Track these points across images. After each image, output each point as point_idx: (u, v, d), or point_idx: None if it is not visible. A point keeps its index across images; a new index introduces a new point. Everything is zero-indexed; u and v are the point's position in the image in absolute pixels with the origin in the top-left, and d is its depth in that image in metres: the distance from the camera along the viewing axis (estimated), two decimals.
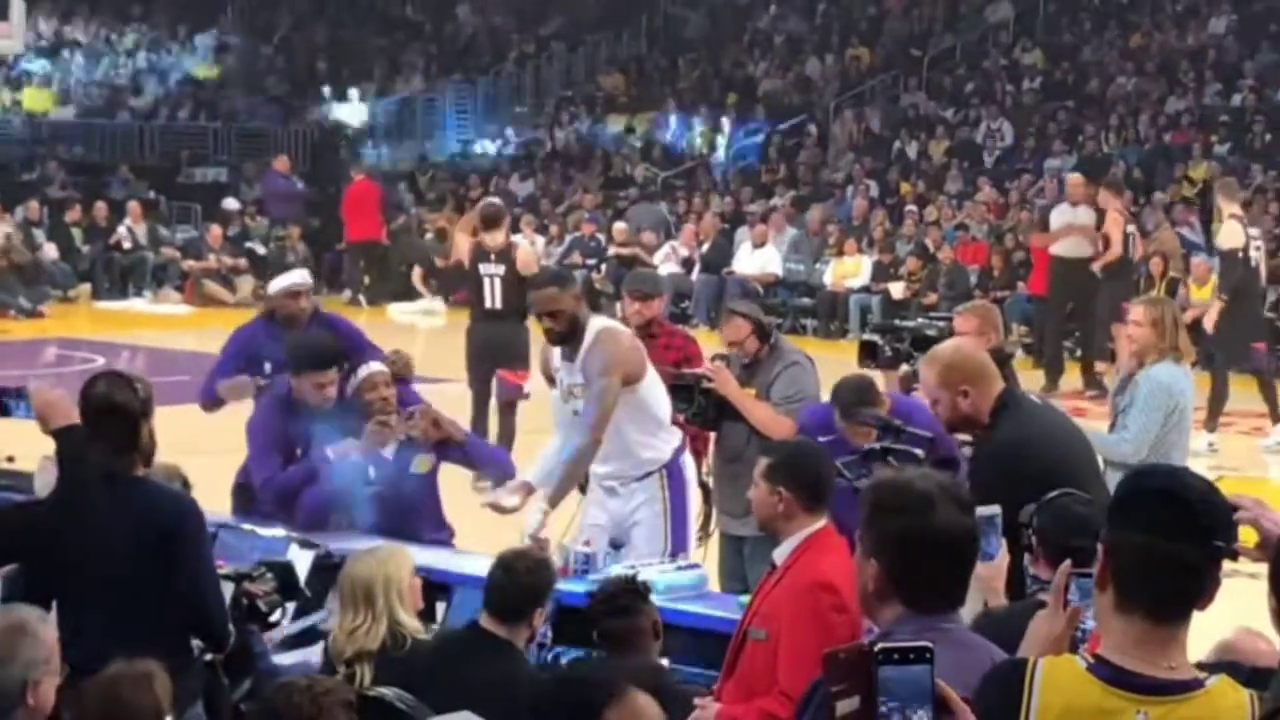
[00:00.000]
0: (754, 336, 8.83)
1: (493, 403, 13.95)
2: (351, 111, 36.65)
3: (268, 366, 9.40)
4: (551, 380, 8.60)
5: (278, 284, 9.89)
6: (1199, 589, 3.37)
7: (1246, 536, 4.06)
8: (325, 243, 29.39)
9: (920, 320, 9.16)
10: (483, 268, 13.80)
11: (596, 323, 8.36)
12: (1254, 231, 16.54)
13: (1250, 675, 4.03)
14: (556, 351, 8.41)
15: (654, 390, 8.36)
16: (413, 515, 8.38)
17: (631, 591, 6.07)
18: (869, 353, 8.54)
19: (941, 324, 8.61)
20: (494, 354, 13.89)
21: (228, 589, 6.31)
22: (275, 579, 6.78)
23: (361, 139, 35.64)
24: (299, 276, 10.07)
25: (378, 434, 8.34)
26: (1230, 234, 16.12)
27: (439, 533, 8.55)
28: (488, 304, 13.81)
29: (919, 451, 7.03)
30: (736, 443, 8.69)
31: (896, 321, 9.52)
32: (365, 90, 37.24)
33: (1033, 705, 3.33)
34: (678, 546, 8.31)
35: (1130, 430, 8.63)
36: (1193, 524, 3.35)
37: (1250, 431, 16.90)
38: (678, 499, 8.36)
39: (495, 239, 13.90)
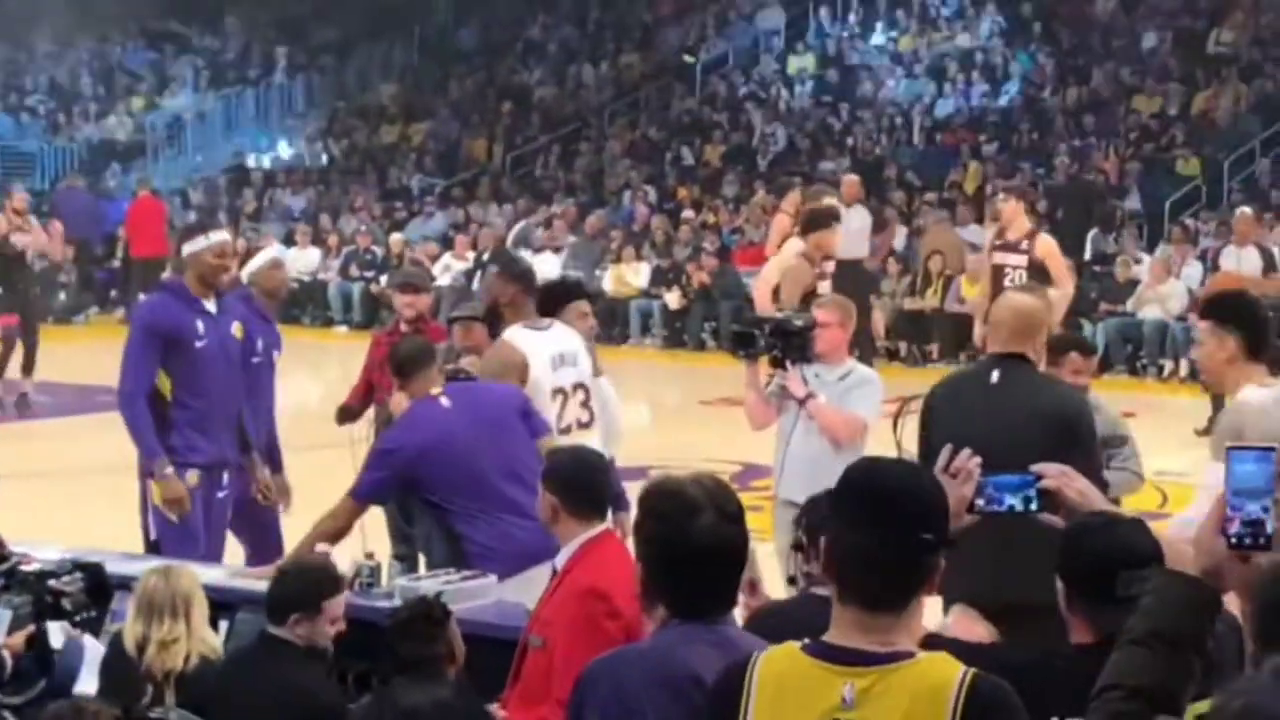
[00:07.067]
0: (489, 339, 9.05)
1: None
2: (119, 127, 36.01)
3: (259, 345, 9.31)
4: None
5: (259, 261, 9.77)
6: (908, 579, 3.43)
7: None
8: (96, 260, 28.88)
9: (787, 313, 9.42)
10: None
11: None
12: None
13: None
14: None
15: None
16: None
17: (427, 617, 5.97)
18: (744, 342, 8.73)
19: (805, 315, 8.85)
20: None
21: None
22: (85, 579, 6.68)
23: (131, 155, 35.02)
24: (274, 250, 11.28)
25: None
26: None
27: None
28: None
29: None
30: None
31: (762, 315, 9.86)
32: (132, 105, 36.62)
33: (753, 684, 3.44)
34: None
35: None
36: (894, 516, 3.41)
37: None
38: None
39: None
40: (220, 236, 8.95)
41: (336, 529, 7.56)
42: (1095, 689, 3.51)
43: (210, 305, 8.74)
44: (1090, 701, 3.51)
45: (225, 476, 8.80)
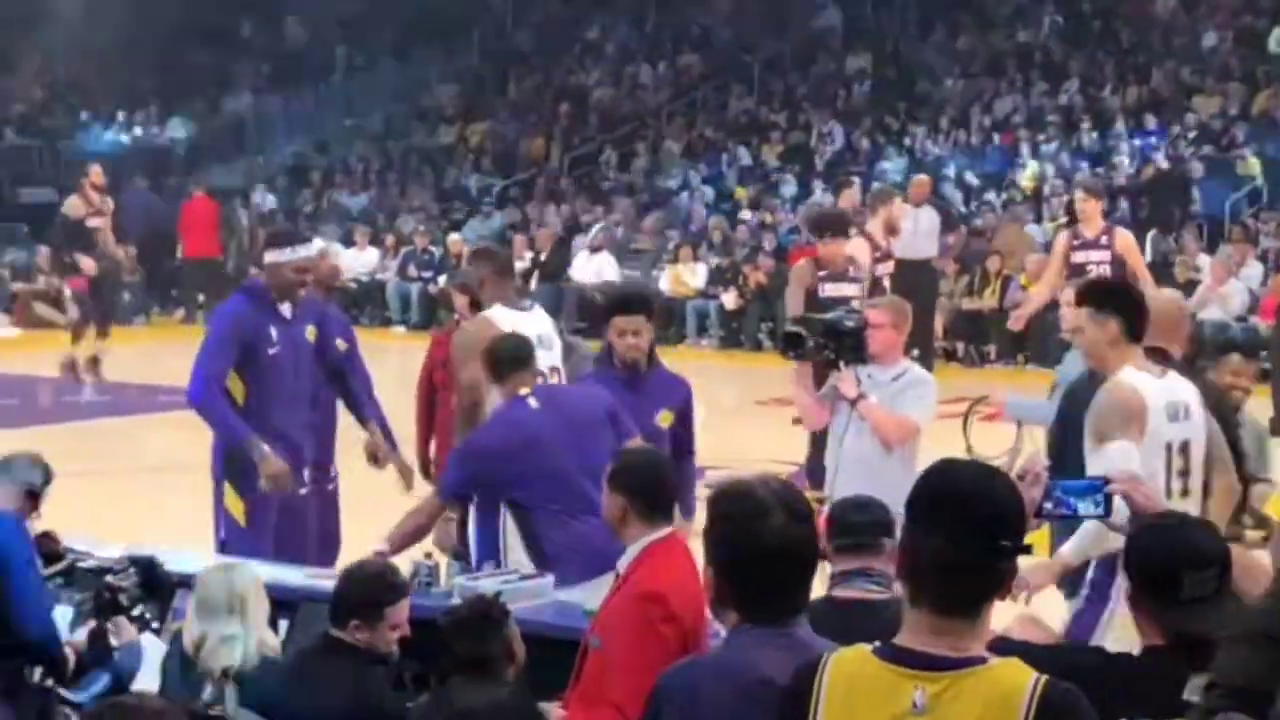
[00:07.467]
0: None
1: None
2: (180, 128, 36.17)
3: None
4: None
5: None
6: (981, 585, 3.40)
7: None
8: (157, 260, 29.03)
9: (839, 313, 9.39)
10: None
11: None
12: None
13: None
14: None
15: None
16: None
17: (484, 616, 5.91)
18: (793, 343, 8.71)
19: (857, 315, 8.82)
20: None
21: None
22: (139, 574, 6.76)
23: (193, 155, 35.16)
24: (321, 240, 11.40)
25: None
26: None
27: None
28: None
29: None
30: None
31: (813, 315, 9.74)
32: (194, 106, 36.78)
33: (823, 685, 3.43)
34: None
35: None
36: (967, 519, 3.37)
37: None
38: None
39: None
40: (306, 252, 8.90)
41: (418, 526, 7.63)
42: (1203, 685, 3.51)
43: (285, 310, 8.78)
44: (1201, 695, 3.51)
45: (305, 474, 8.91)
